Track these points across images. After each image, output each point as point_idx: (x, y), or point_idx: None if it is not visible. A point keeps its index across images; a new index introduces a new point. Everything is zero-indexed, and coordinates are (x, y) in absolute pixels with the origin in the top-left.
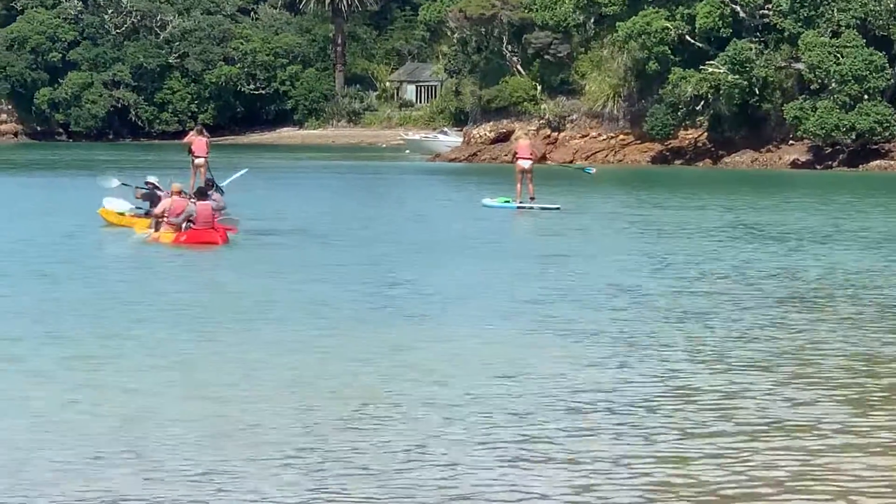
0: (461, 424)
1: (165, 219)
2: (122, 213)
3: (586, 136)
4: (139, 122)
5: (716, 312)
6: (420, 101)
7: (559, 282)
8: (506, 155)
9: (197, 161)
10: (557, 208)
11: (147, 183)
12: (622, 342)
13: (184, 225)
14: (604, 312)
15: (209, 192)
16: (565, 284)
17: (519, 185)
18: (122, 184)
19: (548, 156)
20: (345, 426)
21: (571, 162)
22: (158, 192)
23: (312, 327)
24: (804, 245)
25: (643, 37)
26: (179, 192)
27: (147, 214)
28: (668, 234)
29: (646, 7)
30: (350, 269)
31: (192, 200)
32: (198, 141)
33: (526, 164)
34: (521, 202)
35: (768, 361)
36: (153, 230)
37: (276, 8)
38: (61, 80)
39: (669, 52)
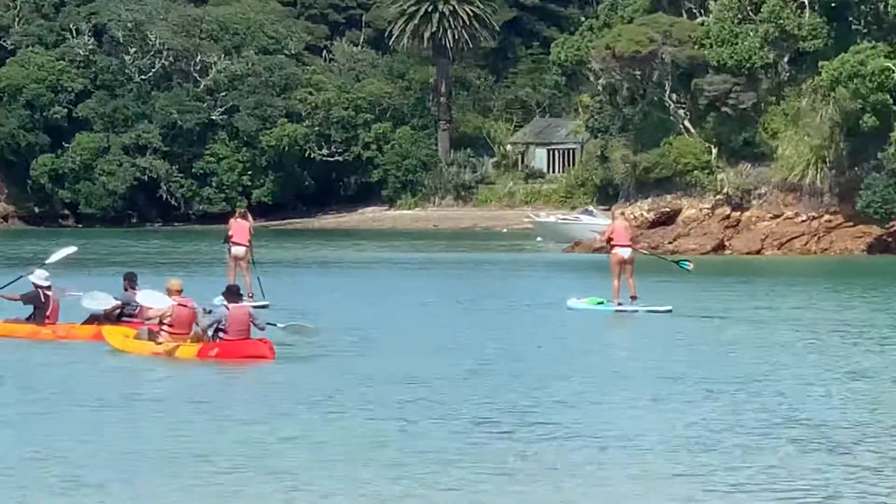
0: None
1: (169, 328)
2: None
3: (779, 216)
4: (172, 201)
5: None
6: (553, 171)
7: (732, 412)
8: (669, 242)
9: (234, 250)
10: (669, 310)
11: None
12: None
13: (210, 334)
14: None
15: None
16: (738, 415)
17: (617, 282)
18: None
19: (727, 242)
20: None
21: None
22: (47, 294)
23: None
24: None
25: (855, 81)
26: (179, 292)
27: (29, 320)
28: (880, 351)
29: (858, 41)
30: (472, 401)
31: (224, 303)
32: (237, 225)
33: (626, 252)
34: (619, 304)
35: None
36: (148, 340)
37: (356, 45)
38: (67, 145)
39: (891, 101)
